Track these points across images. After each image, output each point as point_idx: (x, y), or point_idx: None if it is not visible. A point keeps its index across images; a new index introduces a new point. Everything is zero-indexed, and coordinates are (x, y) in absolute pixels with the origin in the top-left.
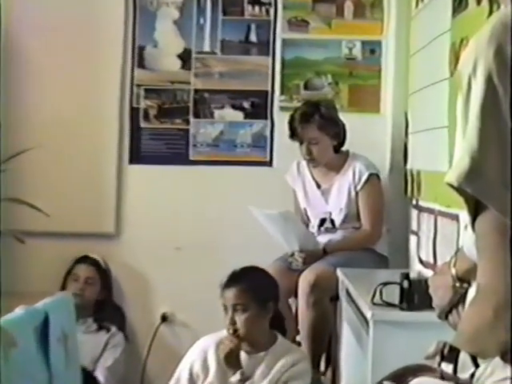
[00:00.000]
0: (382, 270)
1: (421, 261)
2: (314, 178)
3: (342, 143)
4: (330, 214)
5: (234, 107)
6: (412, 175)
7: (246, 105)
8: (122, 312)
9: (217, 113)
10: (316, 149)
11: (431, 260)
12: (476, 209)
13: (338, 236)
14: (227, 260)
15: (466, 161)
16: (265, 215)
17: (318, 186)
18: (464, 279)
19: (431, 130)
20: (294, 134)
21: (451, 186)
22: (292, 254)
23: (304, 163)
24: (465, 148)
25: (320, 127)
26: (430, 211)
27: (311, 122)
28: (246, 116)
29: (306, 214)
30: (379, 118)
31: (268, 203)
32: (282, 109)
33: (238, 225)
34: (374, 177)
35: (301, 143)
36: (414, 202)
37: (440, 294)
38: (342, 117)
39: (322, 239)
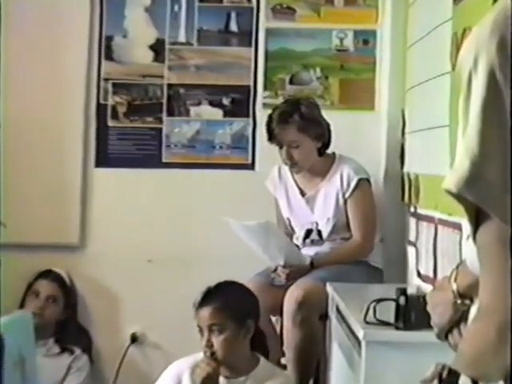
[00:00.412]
0: (376, 284)
1: (419, 275)
2: (297, 185)
3: (326, 145)
4: (317, 224)
5: (212, 104)
6: (409, 180)
7: (226, 101)
8: (87, 332)
9: (193, 110)
10: (297, 153)
11: (431, 274)
12: (477, 218)
13: (325, 248)
14: (204, 274)
15: (466, 165)
16: (243, 227)
17: (302, 194)
18: (466, 295)
19: (431, 129)
20: (272, 137)
21: (450, 192)
22: (275, 270)
23: (286, 168)
24: (464, 151)
25: (300, 128)
26: (430, 220)
27: (290, 123)
28: (226, 114)
29: (290, 225)
30: (373, 115)
31: (250, 211)
32: (266, 106)
33: (215, 235)
34: (364, 182)
35: (280, 147)
36: (412, 209)
37: (439, 312)
38: (332, 115)
39: (309, 252)
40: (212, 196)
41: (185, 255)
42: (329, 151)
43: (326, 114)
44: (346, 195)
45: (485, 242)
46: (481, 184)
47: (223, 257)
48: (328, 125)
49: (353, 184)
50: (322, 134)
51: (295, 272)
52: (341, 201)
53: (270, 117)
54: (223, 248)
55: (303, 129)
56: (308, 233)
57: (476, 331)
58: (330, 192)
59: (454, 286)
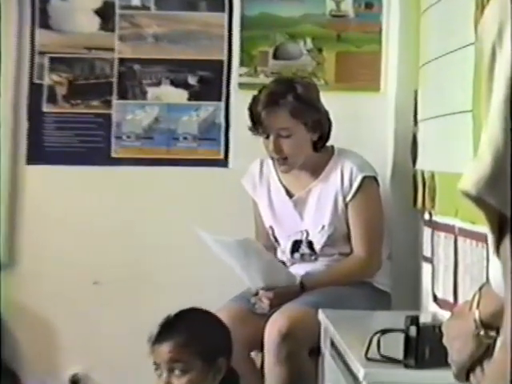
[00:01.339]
0: (382, 311)
1: (435, 299)
2: (282, 184)
3: (325, 138)
4: (307, 234)
5: (175, 84)
6: (423, 179)
7: (192, 80)
8: (15, 376)
9: (151, 92)
10: (288, 144)
11: (450, 298)
12: (501, 226)
13: (319, 266)
14: (163, 299)
15: (488, 160)
16: (218, 243)
17: (290, 195)
18: (491, 325)
19: (450, 115)
20: (256, 124)
21: (467, 195)
22: (256, 294)
23: (270, 162)
24: (486, 143)
25: (294, 113)
26: (449, 229)
27: (281, 106)
28: (192, 96)
29: (274, 235)
30: (378, 98)
31: (223, 219)
32: (243, 86)
33: (178, 249)
34: (370, 181)
35: (267, 136)
36: (427, 216)
37: (458, 346)
38: (327, 98)
39: (298, 270)
40: (174, 200)
41: (139, 275)
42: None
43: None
44: (348, 197)
45: (509, 257)
46: (505, 185)
47: (188, 277)
48: (327, 113)
49: (356, 183)
50: (319, 123)
51: (281, 296)
52: (340, 204)
53: (255, 99)
54: (188, 266)
55: (297, 114)
56: (296, 245)
57: (499, 366)
58: (325, 193)
59: (477, 314)
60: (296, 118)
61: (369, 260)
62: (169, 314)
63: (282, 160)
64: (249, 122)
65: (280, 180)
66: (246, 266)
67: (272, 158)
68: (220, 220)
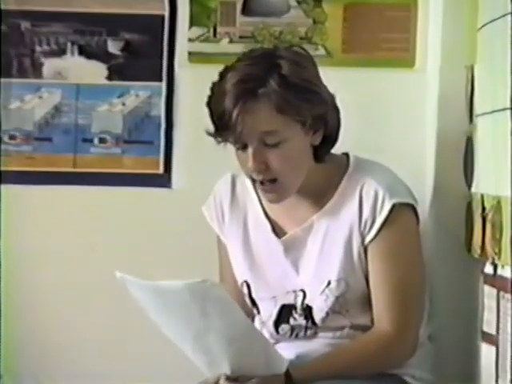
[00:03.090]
0: None
1: None
2: (267, 216)
3: (332, 140)
4: (304, 295)
5: (88, 53)
6: (483, 209)
7: (114, 48)
8: None
9: (48, 65)
10: (277, 156)
11: None
12: None
13: (318, 346)
14: None
15: None
16: (151, 290)
17: (279, 233)
18: None
19: None
20: (222, 127)
21: None
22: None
23: (247, 182)
24: None
25: (281, 106)
26: None
27: (261, 98)
28: (114, 73)
29: (250, 296)
30: (412, 78)
31: (164, 261)
32: (194, 57)
33: (88, 307)
34: (404, 211)
35: (243, 146)
36: (489, 268)
37: None
38: (331, 77)
39: (286, 352)
40: (85, 236)
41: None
42: (335, 151)
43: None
44: (368, 237)
45: None
46: None
47: (100, 358)
48: (333, 99)
49: (383, 215)
50: (322, 117)
51: None
52: (356, 249)
53: (220, 84)
54: (105, 335)
55: (287, 107)
56: (285, 312)
57: None
58: (334, 231)
59: None
60: (285, 115)
61: (399, 338)
62: None
63: (269, 183)
64: (209, 124)
65: (264, 209)
66: (201, 333)
67: (252, 180)
68: (159, 264)
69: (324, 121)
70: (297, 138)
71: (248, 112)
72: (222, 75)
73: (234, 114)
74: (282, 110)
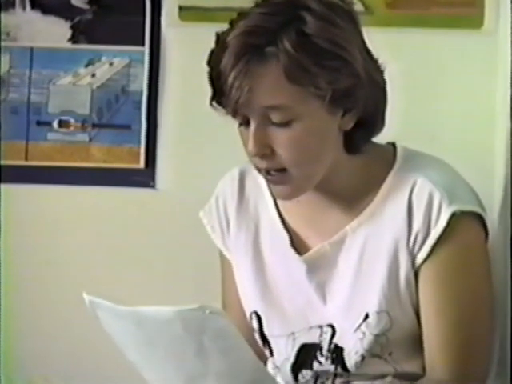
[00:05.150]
0: None
1: None
2: (284, 223)
3: (373, 126)
4: (333, 331)
5: (43, 7)
6: None
7: (79, 0)
8: None
9: None
10: (287, 139)
11: None
12: None
13: None
14: None
15: None
16: (129, 318)
17: (300, 249)
18: None
19: None
20: (219, 92)
21: None
22: None
23: (259, 177)
24: None
25: (293, 74)
26: None
27: (269, 58)
28: (80, 34)
29: (261, 330)
30: (480, 42)
31: (143, 287)
32: (186, 13)
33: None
34: (467, 221)
35: (244, 121)
36: None
37: None
38: (373, 38)
39: None
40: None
41: None
42: (378, 139)
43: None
44: (420, 255)
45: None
46: None
47: (101, 359)
48: (378, 67)
49: (440, 226)
50: (347, 94)
51: None
52: (403, 271)
53: (221, 37)
54: (100, 339)
55: (301, 76)
56: (307, 354)
57: None
58: (374, 246)
59: None
60: (298, 85)
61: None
62: None
63: (277, 173)
64: (206, 101)
65: (280, 215)
66: (193, 376)
67: (257, 168)
68: (142, 284)
69: (353, 98)
70: (315, 117)
71: (249, 75)
72: (232, 24)
73: (231, 76)
74: (294, 78)
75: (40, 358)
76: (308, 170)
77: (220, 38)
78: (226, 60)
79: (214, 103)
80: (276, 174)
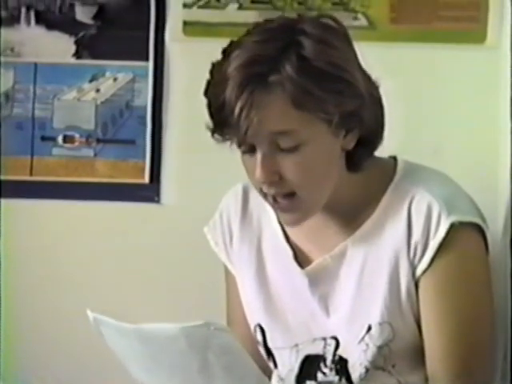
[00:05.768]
0: None
1: None
2: (287, 238)
3: (372, 143)
4: (337, 343)
5: (48, 22)
6: None
7: (84, 16)
8: None
9: None
10: (295, 165)
11: None
12: None
13: None
14: None
15: None
16: (133, 335)
17: (302, 261)
18: None
19: None
20: (222, 123)
21: None
22: None
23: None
24: None
25: (299, 100)
26: None
27: (273, 87)
28: (84, 50)
29: (265, 343)
30: (483, 56)
31: (147, 303)
32: (191, 28)
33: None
34: (467, 232)
35: (249, 150)
36: None
37: None
38: (376, 54)
39: None
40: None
41: None
42: (382, 153)
43: (362, 54)
44: (420, 266)
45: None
46: None
47: (101, 360)
48: (375, 88)
49: (438, 237)
50: (353, 115)
51: None
52: (404, 282)
53: (218, 68)
54: (99, 340)
55: (307, 101)
56: (310, 366)
57: None
58: (375, 260)
59: None
60: (305, 110)
61: None
62: None
63: (285, 199)
64: (207, 117)
65: (283, 230)
66: None
67: (263, 195)
68: (146, 300)
69: (358, 118)
70: (321, 141)
71: (255, 105)
72: (226, 53)
73: (237, 107)
74: (301, 105)
75: (38, 364)
76: (317, 192)
77: (216, 69)
78: (230, 91)
79: (216, 135)
80: (284, 200)
